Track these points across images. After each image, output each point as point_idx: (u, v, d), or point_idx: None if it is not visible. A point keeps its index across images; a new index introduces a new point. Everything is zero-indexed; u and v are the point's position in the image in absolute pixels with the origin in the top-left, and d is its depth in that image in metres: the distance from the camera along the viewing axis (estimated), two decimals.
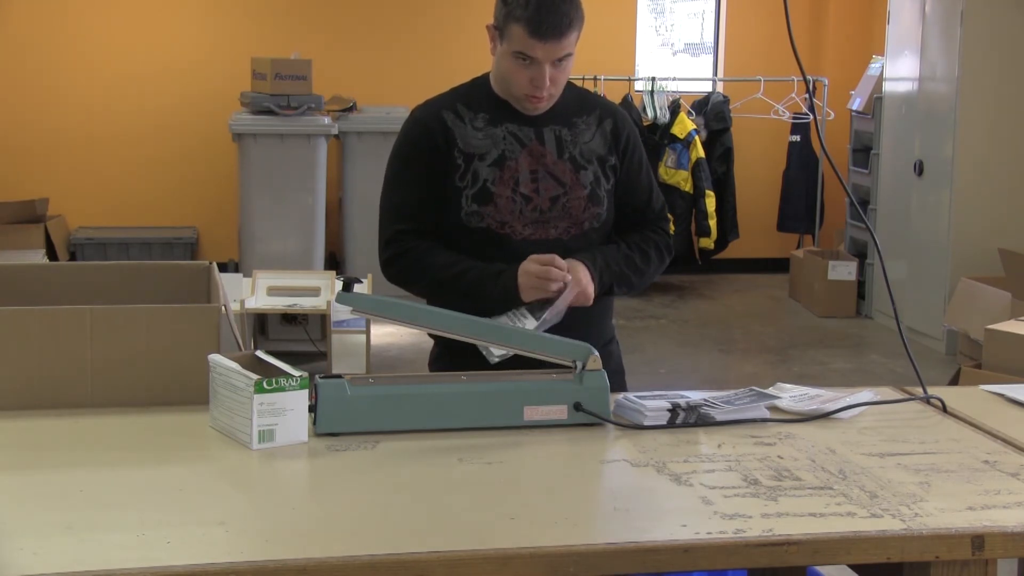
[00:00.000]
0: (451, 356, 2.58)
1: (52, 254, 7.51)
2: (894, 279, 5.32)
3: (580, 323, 2.49)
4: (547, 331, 2.38)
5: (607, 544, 1.67)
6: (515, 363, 2.33)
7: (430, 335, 2.58)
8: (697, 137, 8.08)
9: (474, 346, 2.35)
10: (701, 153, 8.08)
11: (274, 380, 2.04)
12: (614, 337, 2.72)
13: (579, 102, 2.62)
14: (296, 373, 2.08)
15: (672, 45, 9.31)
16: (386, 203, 2.60)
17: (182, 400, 2.24)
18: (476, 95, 2.59)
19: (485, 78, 2.62)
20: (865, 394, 2.39)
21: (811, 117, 8.17)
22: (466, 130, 2.55)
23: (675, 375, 6.25)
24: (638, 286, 2.67)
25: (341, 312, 5.46)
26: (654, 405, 2.22)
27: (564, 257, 2.49)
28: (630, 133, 2.65)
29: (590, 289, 2.48)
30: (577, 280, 2.45)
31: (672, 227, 7.72)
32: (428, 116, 2.58)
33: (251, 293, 5.70)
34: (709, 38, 9.13)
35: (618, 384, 2.42)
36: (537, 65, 2.45)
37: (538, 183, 2.54)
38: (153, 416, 2.19)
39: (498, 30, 2.49)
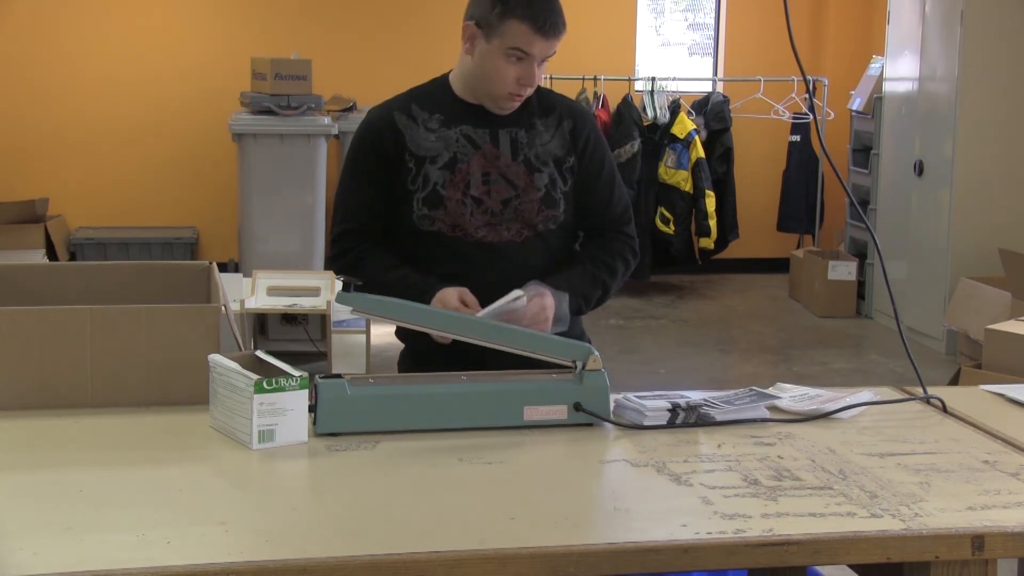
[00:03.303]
0: (414, 357, 2.59)
1: (52, 254, 7.51)
2: (894, 279, 5.32)
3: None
4: None
5: (607, 544, 1.67)
6: (515, 363, 2.33)
7: (397, 335, 2.58)
8: (697, 137, 8.08)
9: (443, 344, 2.36)
10: (701, 153, 8.08)
11: (274, 380, 2.04)
12: (583, 334, 2.68)
13: (540, 104, 2.60)
14: (296, 373, 2.08)
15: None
16: (335, 202, 2.65)
17: (182, 400, 2.24)
18: (434, 95, 2.58)
19: (445, 78, 2.60)
20: (865, 394, 2.39)
21: (811, 117, 8.16)
22: (417, 132, 2.54)
23: (675, 375, 6.25)
24: (605, 300, 2.66)
25: (341, 312, 5.46)
26: (654, 405, 2.22)
27: (520, 259, 2.51)
28: (591, 134, 2.62)
29: (547, 325, 2.42)
30: (542, 306, 2.41)
31: (670, 225, 7.86)
32: (379, 118, 2.57)
33: (251, 293, 5.70)
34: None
35: None
36: (528, 62, 2.46)
37: (490, 185, 2.53)
38: (153, 416, 2.19)
39: (483, 28, 2.47)
